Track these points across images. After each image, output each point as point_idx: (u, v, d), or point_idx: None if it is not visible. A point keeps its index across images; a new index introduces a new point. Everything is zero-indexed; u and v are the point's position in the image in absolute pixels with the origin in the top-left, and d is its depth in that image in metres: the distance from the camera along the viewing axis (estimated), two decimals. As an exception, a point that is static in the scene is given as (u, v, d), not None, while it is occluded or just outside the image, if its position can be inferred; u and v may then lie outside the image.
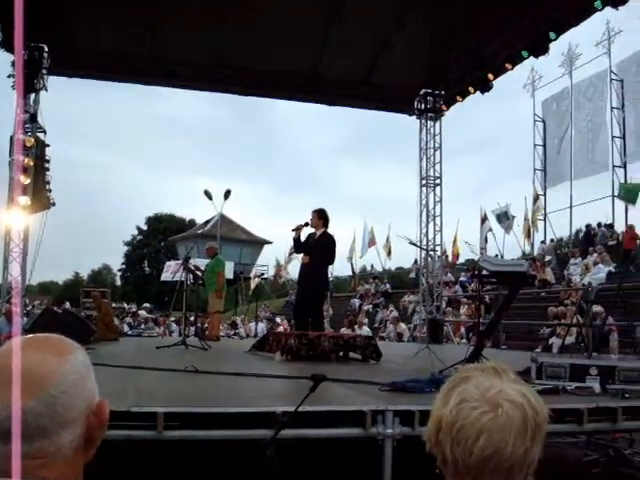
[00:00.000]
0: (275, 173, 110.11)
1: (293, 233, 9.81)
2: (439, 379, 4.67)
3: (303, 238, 9.82)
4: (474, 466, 1.27)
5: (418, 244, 13.20)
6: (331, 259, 9.83)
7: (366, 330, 19.30)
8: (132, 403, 3.67)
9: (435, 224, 15.73)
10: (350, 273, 37.32)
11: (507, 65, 13.44)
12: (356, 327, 19.69)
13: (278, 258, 42.93)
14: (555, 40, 12.61)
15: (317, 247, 9.58)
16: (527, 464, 1.29)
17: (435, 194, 15.81)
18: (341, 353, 8.18)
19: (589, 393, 4.88)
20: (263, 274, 40.12)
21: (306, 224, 9.75)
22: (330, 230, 9.88)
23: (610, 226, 23.23)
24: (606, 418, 4.38)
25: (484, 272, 6.25)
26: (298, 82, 14.93)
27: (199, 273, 11.44)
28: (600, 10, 11.98)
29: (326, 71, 14.74)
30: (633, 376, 5.20)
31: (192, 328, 13.31)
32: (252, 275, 36.18)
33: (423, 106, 15.98)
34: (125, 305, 33.25)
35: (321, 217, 9.77)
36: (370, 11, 12.73)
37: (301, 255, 10.14)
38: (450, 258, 29.10)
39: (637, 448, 7.03)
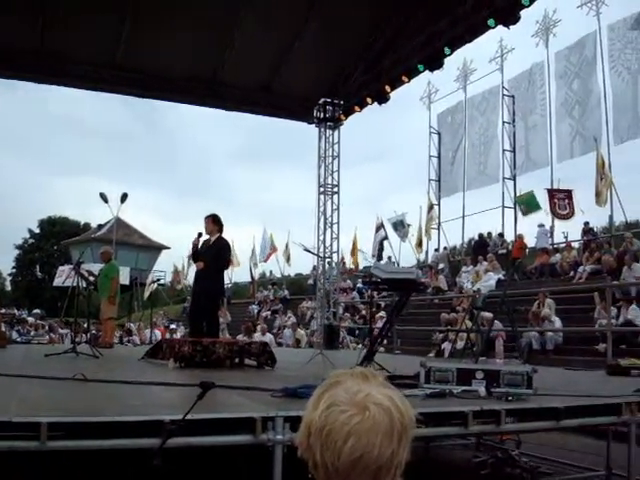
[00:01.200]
0: (174, 177, 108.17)
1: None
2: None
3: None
4: (343, 469, 1.28)
5: (313, 251, 13.29)
6: (225, 264, 9.75)
7: (269, 337, 19.28)
8: (15, 413, 3.51)
9: (332, 231, 15.91)
10: (249, 279, 37.26)
11: (404, 78, 13.77)
12: (257, 334, 19.61)
13: (176, 264, 42.36)
14: (450, 55, 13.01)
15: (211, 252, 9.48)
16: (394, 466, 1.31)
17: (333, 202, 16.00)
18: (236, 360, 8.11)
19: (475, 396, 5.02)
20: (160, 280, 39.48)
21: (200, 235, 9.65)
22: (229, 236, 9.82)
23: (501, 235, 24.16)
24: (490, 420, 4.52)
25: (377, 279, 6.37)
26: (197, 86, 14.79)
27: (92, 278, 11.11)
28: (493, 28, 12.47)
29: (226, 77, 14.67)
30: (517, 380, 5.40)
31: (85, 335, 12.91)
32: (148, 281, 35.54)
33: (322, 115, 16.18)
34: (15, 311, 31.91)
35: (215, 222, 9.68)
36: (271, 20, 12.78)
37: (199, 261, 10.02)
38: (348, 265, 29.54)
39: (524, 449, 7.32)
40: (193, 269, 11.16)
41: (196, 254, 9.71)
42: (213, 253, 9.46)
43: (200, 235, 9.64)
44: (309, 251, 10.99)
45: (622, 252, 17.29)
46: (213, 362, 7.74)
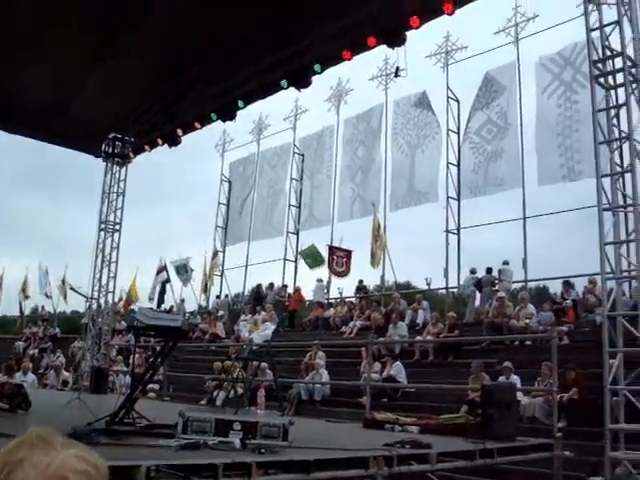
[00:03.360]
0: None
1: None
2: (83, 432, 4.55)
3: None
4: None
5: (80, 291, 12.73)
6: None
7: (32, 377, 18.01)
8: None
9: (110, 270, 15.45)
10: (18, 313, 34.78)
11: (196, 124, 13.91)
12: (19, 373, 18.21)
13: None
14: (243, 109, 13.38)
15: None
16: None
17: (113, 239, 15.59)
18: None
19: (230, 448, 5.08)
20: None
21: None
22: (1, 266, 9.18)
23: (285, 286, 24.67)
24: (241, 473, 4.58)
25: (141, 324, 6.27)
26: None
27: None
28: (285, 89, 13.02)
29: (15, 98, 13.89)
30: (273, 432, 5.54)
31: None
32: None
33: (111, 150, 15.80)
34: None
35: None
36: (66, 47, 12.37)
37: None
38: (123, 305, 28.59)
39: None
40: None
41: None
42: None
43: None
44: (74, 290, 10.56)
45: (390, 310, 18.42)
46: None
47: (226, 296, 27.61)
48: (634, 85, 8.84)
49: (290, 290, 24.11)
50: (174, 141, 14.57)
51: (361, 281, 22.33)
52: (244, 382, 11.07)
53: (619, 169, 8.88)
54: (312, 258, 23.81)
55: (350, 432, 8.87)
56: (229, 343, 20.30)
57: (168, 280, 28.02)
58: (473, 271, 18.69)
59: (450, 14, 11.32)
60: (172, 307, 27.00)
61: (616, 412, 8.28)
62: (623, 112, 8.79)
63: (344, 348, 17.03)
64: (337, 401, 14.60)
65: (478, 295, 18.30)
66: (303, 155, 26.21)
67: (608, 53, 9.02)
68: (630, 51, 8.93)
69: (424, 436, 7.43)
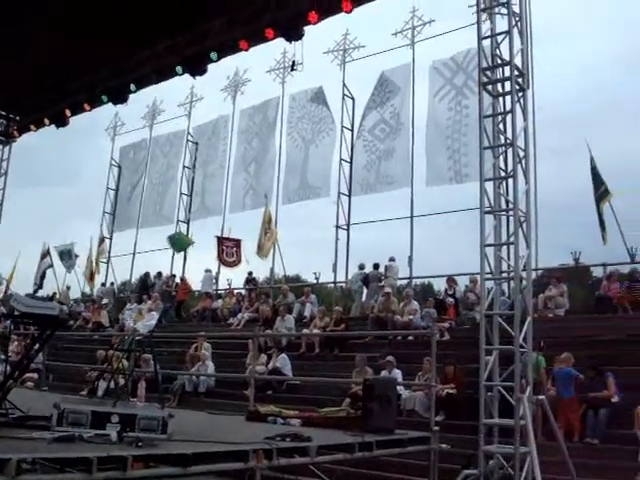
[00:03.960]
0: None
1: None
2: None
3: None
4: None
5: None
6: None
7: None
8: None
9: (-12, 254, 14.76)
10: None
11: (86, 106, 13.46)
12: None
13: None
14: (135, 92, 13.04)
15: None
16: None
17: (-8, 223, 14.89)
18: None
19: (106, 441, 4.93)
20: None
21: None
22: None
23: (173, 276, 24.19)
24: (117, 467, 4.45)
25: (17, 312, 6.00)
26: None
27: None
28: (180, 75, 12.80)
29: None
30: (152, 424, 5.44)
31: None
32: None
33: (-8, 128, 15.09)
34: None
35: None
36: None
37: None
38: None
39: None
40: None
41: None
42: None
43: None
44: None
45: (278, 303, 18.48)
46: None
47: (112, 284, 26.88)
48: (520, 94, 9.22)
49: (179, 280, 23.74)
50: (62, 122, 14.04)
51: (250, 273, 22.27)
52: (124, 373, 10.80)
53: (503, 174, 9.24)
54: (176, 241, 23.60)
55: (232, 425, 8.82)
56: (112, 332, 19.77)
57: (51, 265, 27.03)
58: (361, 267, 19.00)
59: (348, 12, 11.47)
60: (55, 294, 26.06)
61: (490, 407, 8.63)
62: (509, 119, 9.15)
63: (231, 340, 16.96)
64: (222, 393, 14.53)
65: (366, 290, 18.63)
66: (197, 143, 25.84)
67: (497, 61, 9.35)
68: (518, 61, 9.30)
69: (306, 429, 7.48)
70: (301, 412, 9.16)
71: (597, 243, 15.75)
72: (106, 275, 27.28)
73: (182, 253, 24.52)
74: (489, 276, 9.02)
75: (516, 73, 9.13)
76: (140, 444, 4.85)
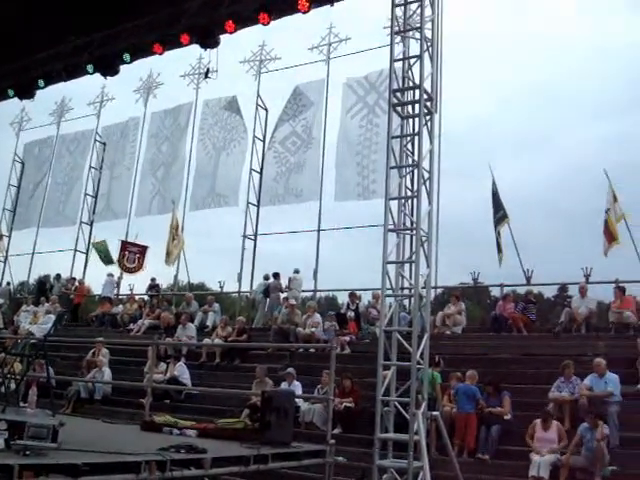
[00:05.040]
0: None
1: None
2: None
3: None
4: None
5: None
6: None
7: None
8: None
9: None
10: None
11: (-10, 98, 13.01)
12: None
13: None
14: (43, 88, 12.72)
15: None
16: None
17: None
18: None
19: (-8, 450, 4.77)
20: None
21: None
22: None
23: (73, 279, 23.46)
24: (3, 476, 4.31)
25: None
26: None
27: None
28: (91, 74, 12.56)
29: None
30: (42, 433, 5.27)
31: None
32: None
33: None
34: None
35: None
36: None
37: None
38: None
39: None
40: None
41: None
42: None
43: None
44: None
45: (181, 311, 18.27)
46: None
47: (8, 284, 25.90)
48: (428, 117, 9.49)
49: (77, 283, 23.08)
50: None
51: (154, 279, 21.89)
52: (15, 378, 10.42)
53: (409, 193, 9.48)
54: (104, 253, 23.10)
55: (127, 435, 8.65)
56: (6, 335, 19.02)
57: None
58: (266, 277, 19.02)
59: (265, 24, 11.55)
60: None
61: (386, 422, 8.78)
62: (416, 140, 9.38)
63: (130, 346, 16.64)
64: (119, 401, 14.26)
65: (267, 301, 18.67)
66: (105, 144, 25.28)
67: (408, 84, 9.60)
68: (428, 85, 9.57)
69: (201, 440, 7.43)
70: (198, 423, 9.09)
71: (497, 263, 16.38)
72: (2, 274, 26.27)
73: (84, 256, 23.95)
74: (390, 292, 9.21)
75: (425, 97, 9.38)
76: (28, 453, 4.70)
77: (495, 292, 18.99)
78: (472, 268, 16.91)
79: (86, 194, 24.83)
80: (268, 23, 11.53)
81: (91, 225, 24.54)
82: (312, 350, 14.76)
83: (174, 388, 13.80)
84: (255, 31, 12.52)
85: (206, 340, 16.08)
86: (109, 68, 12.57)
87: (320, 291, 20.10)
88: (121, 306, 20.77)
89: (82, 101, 25.94)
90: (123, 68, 12.87)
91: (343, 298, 18.61)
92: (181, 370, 14.28)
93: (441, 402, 10.82)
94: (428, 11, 9.76)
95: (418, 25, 9.59)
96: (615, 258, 14.98)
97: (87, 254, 24.07)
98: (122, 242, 21.96)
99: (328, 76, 19.88)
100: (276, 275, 18.47)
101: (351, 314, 15.66)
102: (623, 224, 14.92)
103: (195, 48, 12.54)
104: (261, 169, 20.51)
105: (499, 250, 16.22)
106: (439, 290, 17.82)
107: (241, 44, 17.89)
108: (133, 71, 16.17)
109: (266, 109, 21.37)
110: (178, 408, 12.75)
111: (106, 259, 23.06)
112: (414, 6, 9.75)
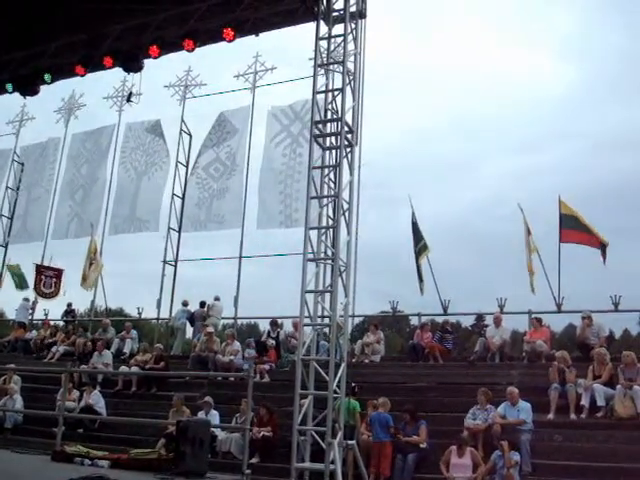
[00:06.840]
0: None
1: None
2: None
3: None
4: None
5: None
6: None
7: None
8: None
9: None
10: None
11: None
12: None
13: None
14: (-43, 106, 12.35)
15: None
16: None
17: None
18: None
19: None
20: None
21: None
22: None
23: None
24: None
25: None
26: None
27: None
28: (10, 93, 12.31)
29: None
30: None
31: None
32: None
33: None
34: None
35: None
36: None
37: None
38: None
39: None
40: None
41: None
42: None
43: None
44: None
45: (97, 338, 17.84)
46: None
47: None
48: (348, 149, 9.68)
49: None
50: None
51: (70, 304, 21.26)
52: None
53: (331, 222, 9.60)
54: (19, 277, 22.40)
55: (36, 466, 8.42)
56: None
57: None
58: (185, 304, 18.80)
59: (190, 51, 11.57)
60: None
61: (303, 451, 8.80)
62: (337, 171, 9.53)
63: (43, 374, 16.14)
64: (30, 430, 13.76)
65: (191, 328, 18.44)
66: (23, 164, 24.56)
67: (330, 116, 9.77)
68: (349, 118, 9.77)
69: (114, 471, 7.32)
70: (112, 453, 8.91)
71: (417, 292, 16.67)
72: None
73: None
74: (308, 321, 9.28)
75: (346, 129, 9.58)
76: None
77: (415, 321, 19.29)
78: (395, 297, 17.18)
79: (1, 215, 24.04)
80: (193, 50, 11.54)
81: (6, 247, 23.73)
82: (231, 378, 14.63)
83: (88, 417, 13.43)
84: (181, 56, 12.51)
85: (123, 367, 15.72)
86: (29, 88, 12.34)
87: (241, 318, 19.99)
88: (35, 331, 20.12)
89: (1, 119, 25.27)
90: (45, 87, 12.64)
91: (264, 325, 18.56)
92: (96, 399, 13.91)
93: (360, 430, 10.88)
94: (351, 46, 10.00)
95: (341, 59, 9.81)
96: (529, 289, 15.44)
97: (0, 276, 23.26)
98: (37, 266, 21.32)
99: (253, 104, 19.98)
100: (202, 304, 18.26)
101: (272, 342, 15.60)
102: (536, 256, 15.39)
103: (120, 70, 12.42)
104: (183, 194, 20.34)
105: (420, 279, 16.51)
106: (360, 319, 17.97)
107: (167, 68, 17.85)
108: (55, 91, 15.92)
109: (190, 134, 21.26)
110: (92, 437, 12.41)
111: (20, 284, 22.36)
112: (338, 40, 9.98)
